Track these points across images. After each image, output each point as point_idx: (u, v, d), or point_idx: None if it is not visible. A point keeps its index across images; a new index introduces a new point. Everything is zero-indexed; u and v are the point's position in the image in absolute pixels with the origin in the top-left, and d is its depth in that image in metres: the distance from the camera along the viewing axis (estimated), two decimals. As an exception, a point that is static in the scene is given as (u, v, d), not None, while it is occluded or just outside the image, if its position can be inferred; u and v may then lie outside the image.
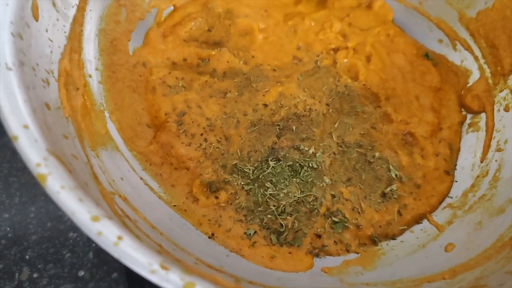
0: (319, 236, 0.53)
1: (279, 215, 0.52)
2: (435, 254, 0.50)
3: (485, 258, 0.45)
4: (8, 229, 0.60)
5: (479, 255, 0.46)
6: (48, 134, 0.36)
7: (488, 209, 0.52)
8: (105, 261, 0.59)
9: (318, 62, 0.67)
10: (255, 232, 0.52)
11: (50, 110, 0.40)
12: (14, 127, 0.33)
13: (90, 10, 0.53)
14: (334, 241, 0.53)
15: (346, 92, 0.64)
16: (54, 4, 0.47)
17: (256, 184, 0.54)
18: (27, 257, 0.59)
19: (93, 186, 0.38)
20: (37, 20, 0.43)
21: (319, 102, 0.62)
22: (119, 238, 0.31)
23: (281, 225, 0.52)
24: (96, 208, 0.32)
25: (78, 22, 0.51)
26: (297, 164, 0.56)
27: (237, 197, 0.53)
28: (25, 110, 0.34)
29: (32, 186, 0.63)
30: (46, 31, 0.45)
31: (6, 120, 0.33)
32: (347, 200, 0.55)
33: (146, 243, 0.35)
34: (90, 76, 0.53)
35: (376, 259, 0.52)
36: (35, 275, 0.58)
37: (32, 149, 0.33)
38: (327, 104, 0.63)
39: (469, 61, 0.66)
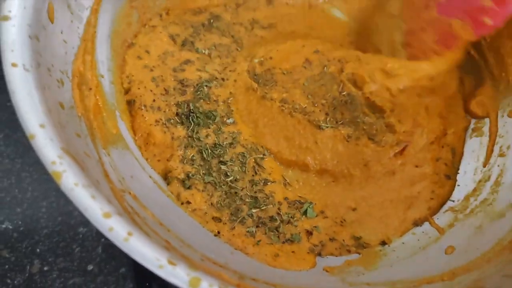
0: (310, 233, 0.54)
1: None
2: (435, 256, 0.51)
3: (483, 261, 0.46)
4: (20, 222, 0.62)
5: (478, 258, 0.47)
6: (62, 133, 0.37)
7: (489, 213, 0.53)
8: (113, 256, 0.60)
9: (325, 68, 0.65)
10: (254, 230, 0.53)
11: (64, 109, 0.42)
12: (31, 126, 0.35)
13: (103, 12, 0.55)
14: (330, 238, 0.54)
15: (349, 101, 0.62)
16: (69, 6, 0.48)
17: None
18: (38, 250, 0.60)
19: (104, 184, 0.40)
20: (52, 22, 0.44)
21: (320, 111, 0.62)
22: (129, 234, 0.32)
23: (271, 218, 0.54)
24: (108, 205, 0.33)
25: (91, 24, 0.52)
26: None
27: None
28: (42, 110, 0.36)
29: (43, 182, 0.65)
30: (61, 32, 0.46)
31: (24, 120, 0.35)
32: None
33: (155, 239, 0.36)
34: (103, 77, 0.54)
35: (377, 260, 0.53)
36: (45, 268, 0.59)
37: (48, 147, 0.34)
38: (326, 114, 0.62)
39: (475, 67, 0.67)
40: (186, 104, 0.59)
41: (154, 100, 0.59)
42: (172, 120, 0.58)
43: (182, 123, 0.58)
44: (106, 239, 0.32)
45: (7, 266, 0.59)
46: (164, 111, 0.58)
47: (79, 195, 0.33)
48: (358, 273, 0.50)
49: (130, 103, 0.58)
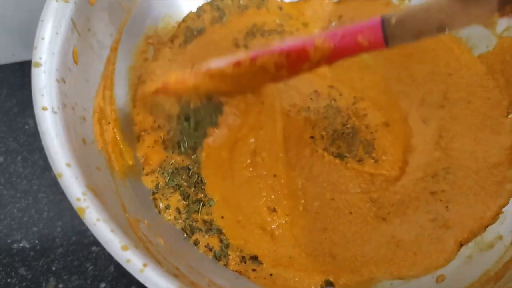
0: None
1: None
2: (426, 284, 0.53)
3: (470, 290, 0.49)
4: (37, 241, 0.64)
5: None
6: (85, 169, 0.40)
7: (479, 244, 0.55)
8: (124, 274, 0.62)
9: (333, 102, 0.64)
10: None
11: (86, 144, 0.45)
12: (59, 166, 0.38)
13: (122, 49, 0.58)
14: None
15: (351, 134, 0.61)
16: (91, 47, 0.52)
17: None
18: (53, 268, 0.62)
19: (122, 215, 0.43)
20: (76, 64, 0.48)
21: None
22: (144, 265, 0.36)
23: None
24: (125, 237, 0.37)
25: (111, 61, 0.55)
26: None
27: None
28: (68, 149, 0.39)
29: (59, 202, 0.67)
30: (84, 72, 0.50)
31: (53, 160, 0.38)
32: None
33: (166, 268, 0.39)
34: (120, 110, 0.57)
35: (372, 286, 0.55)
36: (60, 286, 0.61)
37: (73, 185, 0.38)
38: (325, 149, 0.61)
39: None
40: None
41: (154, 121, 0.60)
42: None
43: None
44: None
45: (24, 284, 0.61)
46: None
47: (100, 229, 0.36)
48: (355, 298, 0.53)
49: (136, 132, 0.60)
